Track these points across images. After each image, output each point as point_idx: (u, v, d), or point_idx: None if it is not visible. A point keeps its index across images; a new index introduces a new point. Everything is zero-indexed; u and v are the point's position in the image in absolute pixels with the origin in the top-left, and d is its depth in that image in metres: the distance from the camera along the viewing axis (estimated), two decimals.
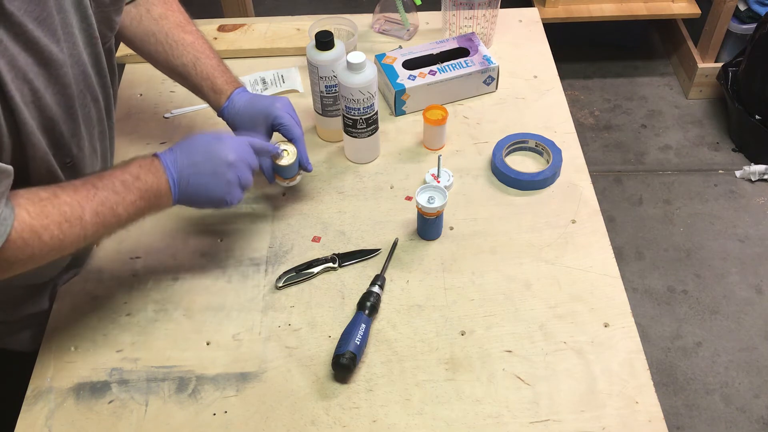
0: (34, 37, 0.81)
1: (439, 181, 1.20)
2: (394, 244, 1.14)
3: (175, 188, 0.95)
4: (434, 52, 1.38)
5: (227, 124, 1.14)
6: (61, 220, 0.84)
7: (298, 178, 1.15)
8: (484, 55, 1.37)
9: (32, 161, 0.88)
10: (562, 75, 1.44)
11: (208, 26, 1.52)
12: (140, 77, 1.43)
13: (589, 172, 1.25)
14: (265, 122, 1.10)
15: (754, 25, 2.47)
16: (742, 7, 2.53)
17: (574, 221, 1.17)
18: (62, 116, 0.89)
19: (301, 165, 1.13)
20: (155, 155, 0.95)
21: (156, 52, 1.14)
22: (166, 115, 1.36)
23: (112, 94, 1.05)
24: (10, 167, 0.80)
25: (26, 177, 0.88)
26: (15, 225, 0.80)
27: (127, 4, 1.10)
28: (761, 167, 2.46)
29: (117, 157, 1.14)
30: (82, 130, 0.95)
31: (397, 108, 1.34)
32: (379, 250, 1.13)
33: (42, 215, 0.82)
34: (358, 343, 0.98)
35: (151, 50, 1.14)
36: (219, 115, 1.14)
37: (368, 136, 1.22)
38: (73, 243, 0.86)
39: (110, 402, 0.97)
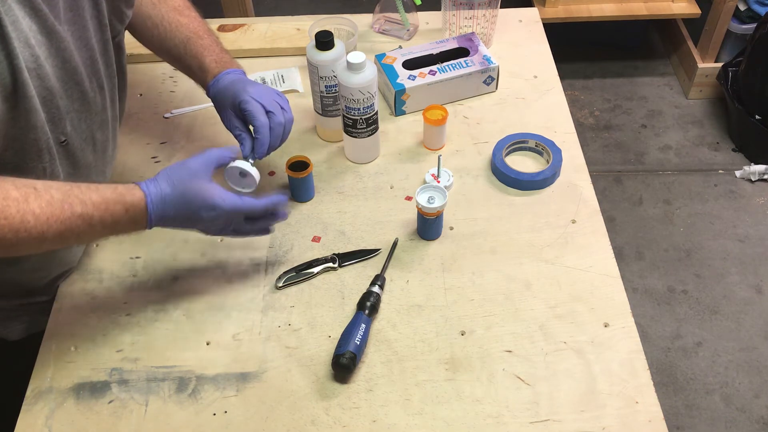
0: (38, 4, 0.82)
1: (439, 181, 1.20)
2: (394, 244, 1.14)
3: (150, 227, 0.94)
4: (434, 52, 1.38)
5: (213, 103, 1.13)
6: (19, 228, 0.81)
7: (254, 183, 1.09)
8: (484, 55, 1.37)
9: (32, 132, 0.87)
10: (562, 75, 1.44)
11: None
12: (140, 77, 1.43)
13: (589, 172, 1.25)
14: (233, 106, 1.07)
15: (754, 25, 2.47)
16: (742, 7, 2.53)
17: (574, 221, 1.17)
18: (59, 90, 0.89)
19: (254, 149, 1.06)
20: (145, 203, 0.92)
21: (152, 36, 1.14)
22: (166, 115, 1.36)
23: (117, 87, 1.06)
24: None
25: (22, 150, 0.88)
26: None
27: None
28: (761, 167, 2.46)
29: (118, 156, 1.14)
30: (79, 110, 0.95)
31: (397, 108, 1.34)
32: (379, 250, 1.13)
33: (2, 215, 0.80)
34: (358, 343, 0.98)
35: (147, 34, 1.14)
36: (207, 95, 1.13)
37: (368, 136, 1.22)
38: (28, 250, 0.85)
39: (110, 402, 0.97)
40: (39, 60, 0.84)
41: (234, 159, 1.02)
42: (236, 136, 1.08)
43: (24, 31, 0.81)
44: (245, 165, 1.03)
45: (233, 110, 1.07)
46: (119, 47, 1.05)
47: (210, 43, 1.14)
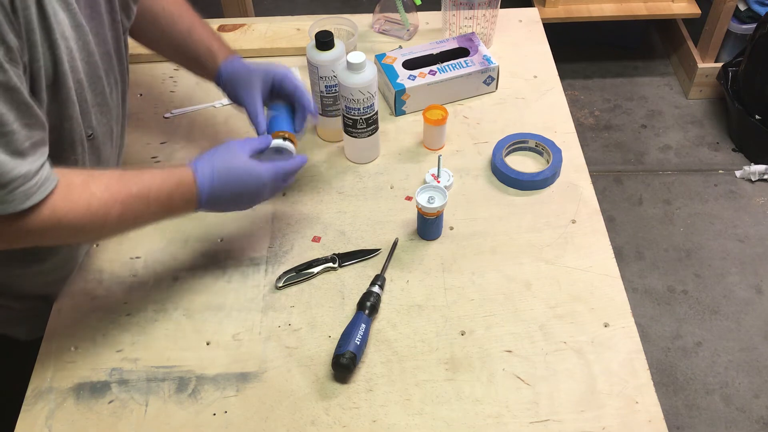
0: None
1: (439, 181, 1.20)
2: (394, 244, 1.14)
3: (201, 205, 0.97)
4: (434, 52, 1.38)
5: (223, 88, 1.14)
6: (85, 212, 0.85)
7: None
8: (484, 55, 1.37)
9: (68, 122, 0.89)
10: (562, 75, 1.44)
11: None
12: (140, 77, 1.43)
13: (589, 172, 1.25)
14: (264, 79, 1.10)
15: (754, 25, 2.47)
16: (742, 7, 2.53)
17: (574, 221, 1.17)
18: (86, 84, 0.91)
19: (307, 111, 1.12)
20: (195, 177, 0.95)
21: (153, 26, 1.14)
22: (166, 115, 1.36)
23: (128, 81, 1.07)
24: (43, 119, 0.82)
25: (58, 141, 0.89)
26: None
27: None
28: (761, 167, 2.46)
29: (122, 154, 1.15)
30: (100, 104, 0.97)
31: (397, 108, 1.34)
32: (379, 250, 1.13)
33: (67, 200, 0.83)
34: (358, 343, 0.98)
35: (145, 27, 1.14)
36: (216, 79, 1.14)
37: (368, 136, 1.22)
38: (90, 235, 0.88)
39: (110, 402, 0.98)
40: (72, 52, 0.86)
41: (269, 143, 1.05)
42: (271, 109, 1.10)
43: (61, 23, 0.83)
44: (281, 143, 1.06)
45: (263, 84, 1.10)
46: (125, 45, 1.06)
47: (212, 31, 1.16)
